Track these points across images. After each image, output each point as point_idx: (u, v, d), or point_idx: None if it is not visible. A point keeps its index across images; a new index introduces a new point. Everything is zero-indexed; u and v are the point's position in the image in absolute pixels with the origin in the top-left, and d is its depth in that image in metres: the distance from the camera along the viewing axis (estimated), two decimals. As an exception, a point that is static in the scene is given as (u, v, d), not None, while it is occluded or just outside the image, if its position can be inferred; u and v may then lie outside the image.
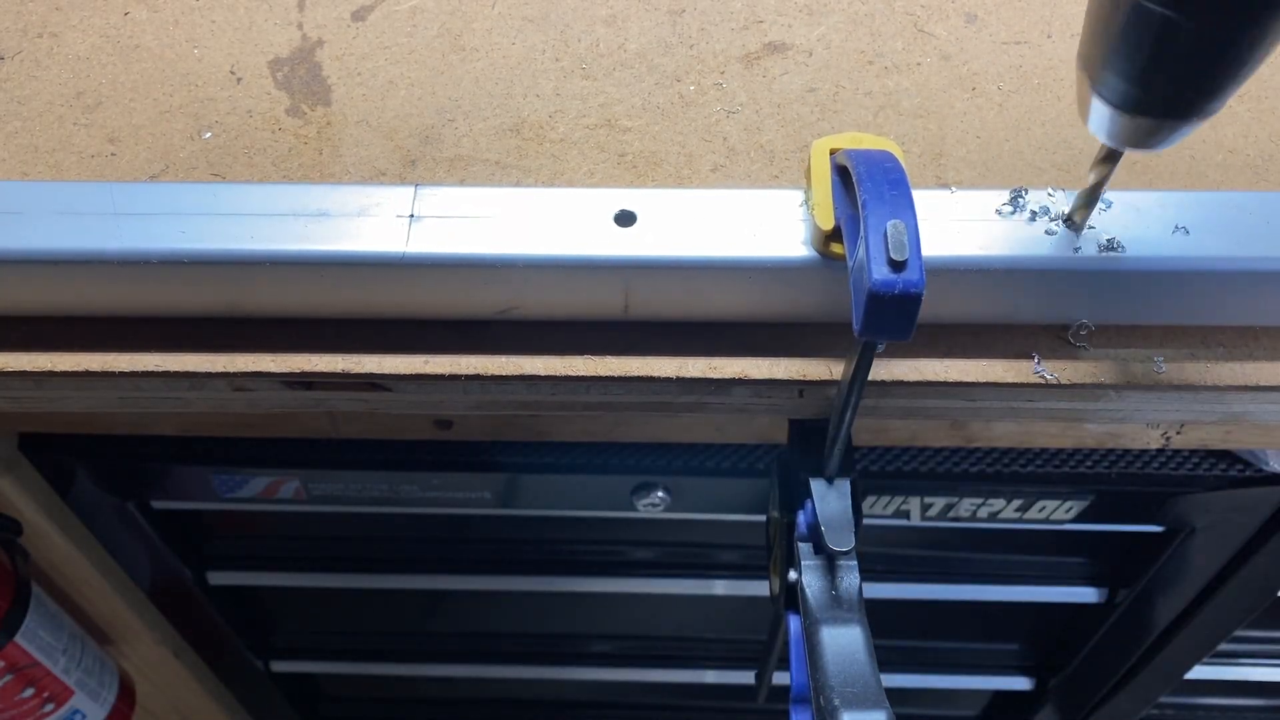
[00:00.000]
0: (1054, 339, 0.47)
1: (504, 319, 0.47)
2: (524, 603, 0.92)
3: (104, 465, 0.67)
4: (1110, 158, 0.40)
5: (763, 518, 0.55)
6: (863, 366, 0.40)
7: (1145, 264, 0.43)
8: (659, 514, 0.69)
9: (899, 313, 0.35)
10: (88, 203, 0.44)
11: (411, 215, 0.44)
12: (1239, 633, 0.79)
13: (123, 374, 0.46)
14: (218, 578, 0.84)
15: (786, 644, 0.47)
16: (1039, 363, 0.46)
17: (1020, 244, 0.43)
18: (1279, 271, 0.43)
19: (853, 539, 0.44)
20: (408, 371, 0.46)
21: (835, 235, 0.41)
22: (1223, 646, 0.82)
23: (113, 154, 0.53)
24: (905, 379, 0.46)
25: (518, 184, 0.52)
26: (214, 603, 0.86)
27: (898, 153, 0.40)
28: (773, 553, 0.53)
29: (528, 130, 0.54)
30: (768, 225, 0.44)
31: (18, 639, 0.70)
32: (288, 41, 0.58)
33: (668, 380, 0.46)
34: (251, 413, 0.54)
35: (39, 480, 0.68)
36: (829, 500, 0.46)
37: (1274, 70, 0.57)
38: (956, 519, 0.69)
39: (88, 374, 0.46)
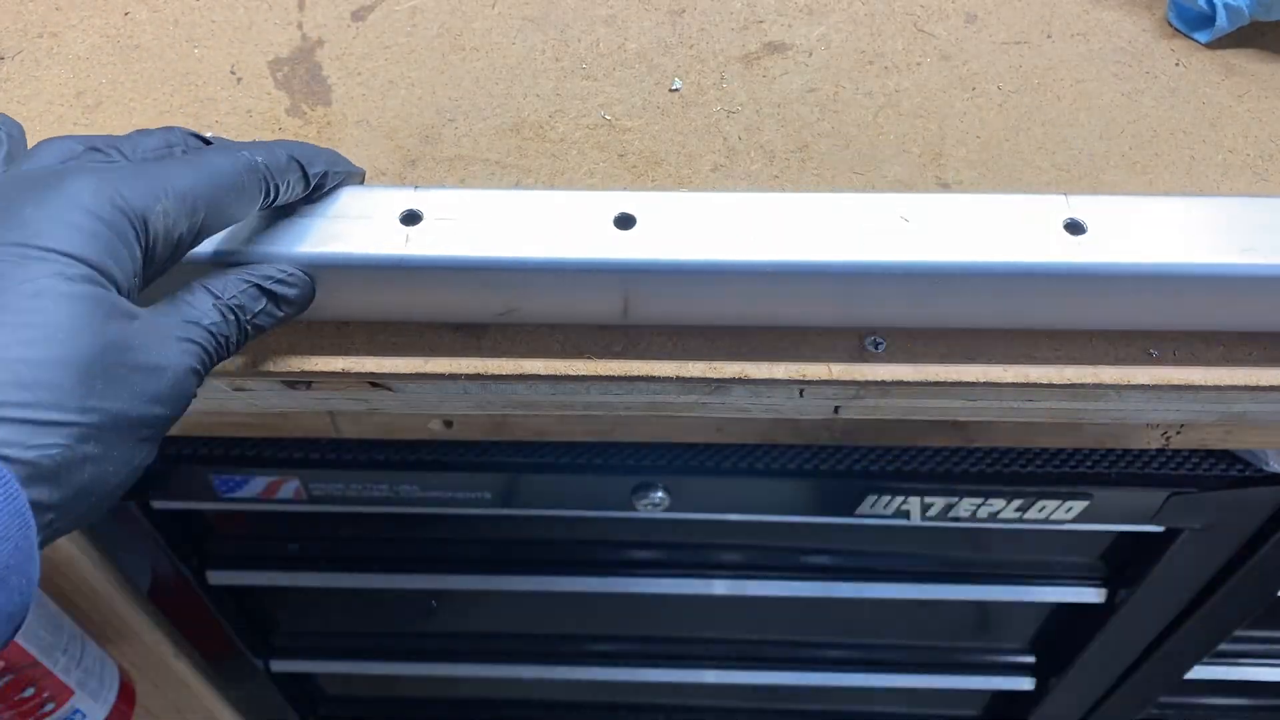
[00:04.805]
0: (1054, 339, 0.47)
1: (503, 321, 0.47)
2: (524, 603, 0.92)
3: (104, 465, 0.67)
4: None
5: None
6: None
7: (1145, 265, 0.43)
8: (659, 514, 0.69)
9: None
10: (88, 203, 0.44)
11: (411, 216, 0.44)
12: (1239, 633, 0.79)
13: (123, 374, 0.46)
14: (218, 577, 0.84)
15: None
16: (1038, 362, 0.46)
17: (1020, 245, 0.43)
18: (1279, 276, 0.43)
19: None
20: (408, 371, 0.46)
21: None
22: (1223, 646, 0.82)
23: (113, 154, 0.53)
24: (905, 379, 0.46)
25: (518, 184, 0.52)
26: (214, 602, 0.86)
27: None
28: None
29: (528, 130, 0.54)
30: (768, 228, 0.44)
31: (18, 639, 0.70)
32: (288, 41, 0.58)
33: (668, 380, 0.46)
34: (251, 412, 0.54)
35: (39, 480, 0.68)
36: None
37: (1274, 70, 0.57)
38: (956, 519, 0.69)
39: (88, 374, 0.46)
